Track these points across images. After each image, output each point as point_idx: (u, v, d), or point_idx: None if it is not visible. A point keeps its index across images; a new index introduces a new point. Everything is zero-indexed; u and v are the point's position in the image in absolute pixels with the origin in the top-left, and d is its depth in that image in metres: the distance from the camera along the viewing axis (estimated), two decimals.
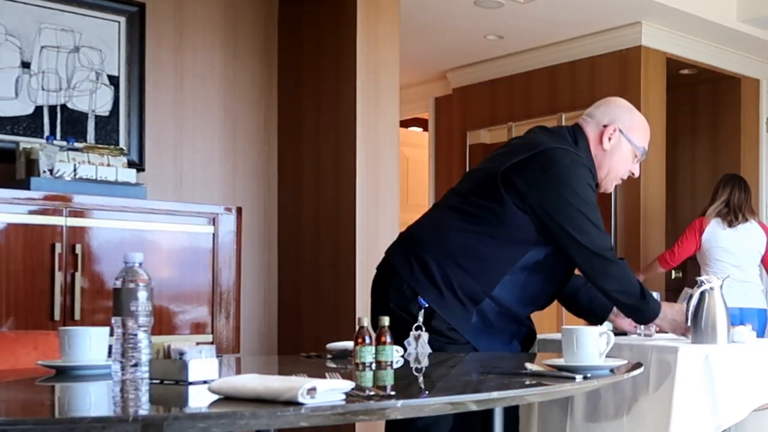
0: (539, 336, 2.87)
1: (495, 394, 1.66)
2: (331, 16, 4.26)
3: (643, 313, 2.57)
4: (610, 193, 5.69)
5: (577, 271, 2.63)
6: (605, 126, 2.62)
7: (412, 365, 2.20)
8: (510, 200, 2.44)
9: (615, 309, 2.71)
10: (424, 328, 2.37)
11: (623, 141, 2.62)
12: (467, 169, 6.53)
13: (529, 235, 2.47)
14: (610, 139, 2.61)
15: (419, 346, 2.33)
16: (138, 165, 3.82)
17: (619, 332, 2.71)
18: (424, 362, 2.23)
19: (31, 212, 3.14)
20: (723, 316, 2.58)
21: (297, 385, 1.37)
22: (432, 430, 2.38)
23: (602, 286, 2.51)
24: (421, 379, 2.02)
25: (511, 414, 2.59)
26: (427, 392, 1.79)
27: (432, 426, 2.36)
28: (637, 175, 2.72)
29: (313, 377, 1.48)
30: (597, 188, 2.64)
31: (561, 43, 5.88)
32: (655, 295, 2.64)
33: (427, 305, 2.42)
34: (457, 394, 1.66)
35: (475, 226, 2.48)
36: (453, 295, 2.44)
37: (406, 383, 1.95)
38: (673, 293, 5.92)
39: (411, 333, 2.35)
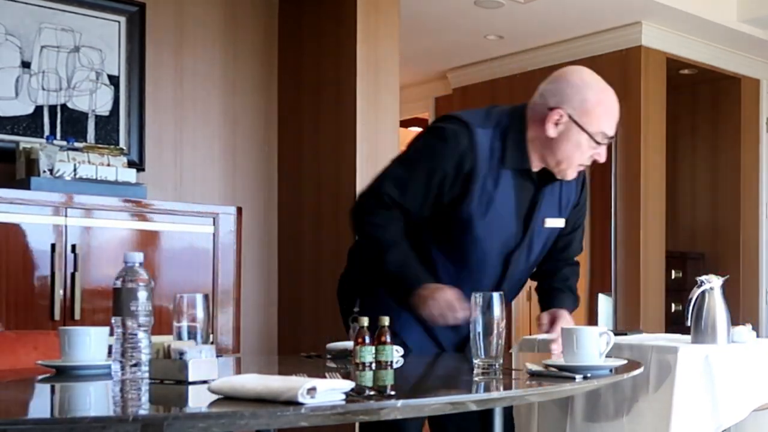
0: (539, 336, 2.87)
1: (495, 394, 1.66)
2: (331, 16, 4.26)
3: (385, 269, 2.32)
4: (611, 193, 5.70)
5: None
6: (551, 109, 2.24)
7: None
8: None
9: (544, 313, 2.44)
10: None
11: (573, 128, 2.23)
12: None
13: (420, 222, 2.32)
14: (556, 124, 2.23)
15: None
16: (138, 165, 3.82)
17: None
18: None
19: (31, 212, 3.14)
20: (723, 316, 2.58)
21: (297, 385, 1.37)
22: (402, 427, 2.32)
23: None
24: (421, 379, 2.02)
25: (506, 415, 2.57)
26: (429, 392, 1.79)
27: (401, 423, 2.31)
28: (603, 160, 2.30)
29: (313, 377, 1.47)
30: (554, 175, 2.33)
31: (561, 43, 5.88)
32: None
33: (360, 300, 2.38)
34: (458, 393, 1.66)
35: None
36: (383, 290, 2.38)
37: (406, 383, 1.95)
38: (673, 293, 5.93)
39: (350, 326, 2.22)
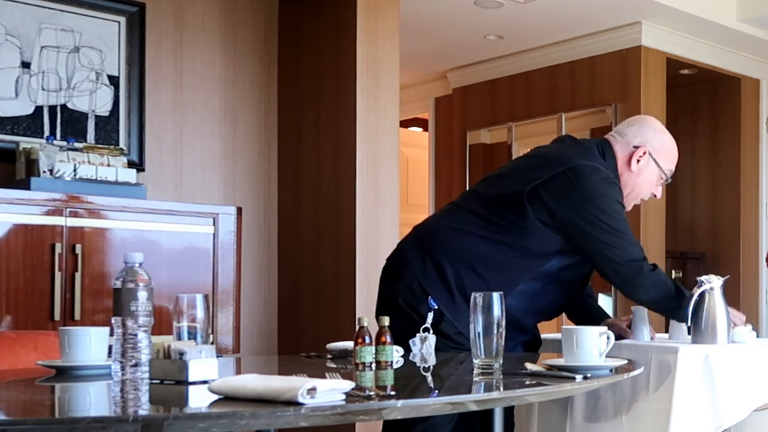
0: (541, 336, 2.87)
1: (495, 394, 1.66)
2: (331, 16, 4.26)
3: (681, 312, 2.57)
4: None
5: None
6: (636, 147, 2.63)
7: (418, 365, 2.20)
8: (534, 215, 2.45)
9: (608, 320, 2.73)
10: (431, 330, 2.35)
11: (651, 164, 2.65)
12: (467, 170, 6.53)
13: (548, 249, 2.48)
14: (638, 161, 2.63)
15: (425, 347, 2.32)
16: (138, 165, 3.82)
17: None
18: (431, 361, 2.23)
19: (31, 212, 3.14)
20: (723, 316, 2.57)
21: (297, 385, 1.37)
22: (433, 431, 2.38)
23: (637, 297, 2.55)
24: (421, 379, 2.02)
25: (506, 415, 2.59)
26: (429, 392, 1.79)
27: (434, 427, 2.36)
28: (659, 197, 2.75)
29: (313, 377, 1.48)
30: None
31: (561, 43, 5.88)
32: None
33: (436, 307, 2.41)
34: (457, 394, 1.66)
35: (495, 234, 2.48)
36: (464, 299, 2.42)
37: (406, 383, 1.95)
38: None
39: (418, 334, 2.34)
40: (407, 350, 2.32)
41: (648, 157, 2.64)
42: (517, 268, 2.48)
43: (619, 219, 2.47)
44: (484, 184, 2.67)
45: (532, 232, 2.45)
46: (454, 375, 2.06)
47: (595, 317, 2.73)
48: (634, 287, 2.49)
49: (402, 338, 2.29)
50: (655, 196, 2.73)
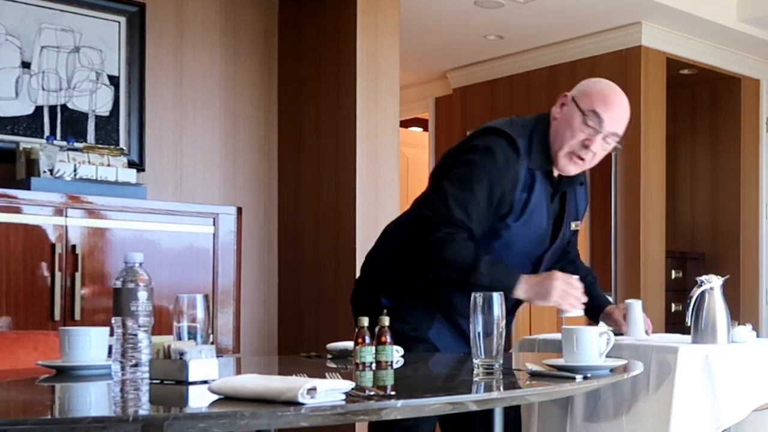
0: (539, 336, 2.87)
1: (495, 394, 1.66)
2: (331, 16, 4.27)
3: (480, 282, 2.24)
4: (611, 193, 5.70)
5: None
6: (564, 96, 2.42)
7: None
8: None
9: (608, 308, 2.69)
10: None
11: (572, 106, 2.37)
12: None
13: (483, 225, 2.34)
14: (561, 106, 2.40)
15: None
16: (138, 165, 3.82)
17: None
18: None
19: (31, 212, 3.14)
20: (723, 316, 2.58)
21: (297, 385, 1.37)
22: (414, 430, 2.37)
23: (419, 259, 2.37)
24: (421, 379, 2.02)
25: (514, 417, 2.59)
26: (428, 392, 1.79)
27: (414, 426, 2.34)
28: (596, 152, 2.36)
29: (313, 377, 1.48)
30: (553, 170, 2.43)
31: (561, 43, 5.88)
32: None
33: (388, 305, 2.38)
34: (457, 394, 1.66)
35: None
36: (411, 297, 2.43)
37: (406, 383, 1.95)
38: (673, 293, 5.93)
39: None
40: None
41: (570, 101, 2.37)
42: None
43: (462, 187, 2.27)
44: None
45: None
46: (455, 375, 2.06)
47: (596, 305, 2.66)
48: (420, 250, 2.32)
49: None
50: (586, 147, 2.34)
